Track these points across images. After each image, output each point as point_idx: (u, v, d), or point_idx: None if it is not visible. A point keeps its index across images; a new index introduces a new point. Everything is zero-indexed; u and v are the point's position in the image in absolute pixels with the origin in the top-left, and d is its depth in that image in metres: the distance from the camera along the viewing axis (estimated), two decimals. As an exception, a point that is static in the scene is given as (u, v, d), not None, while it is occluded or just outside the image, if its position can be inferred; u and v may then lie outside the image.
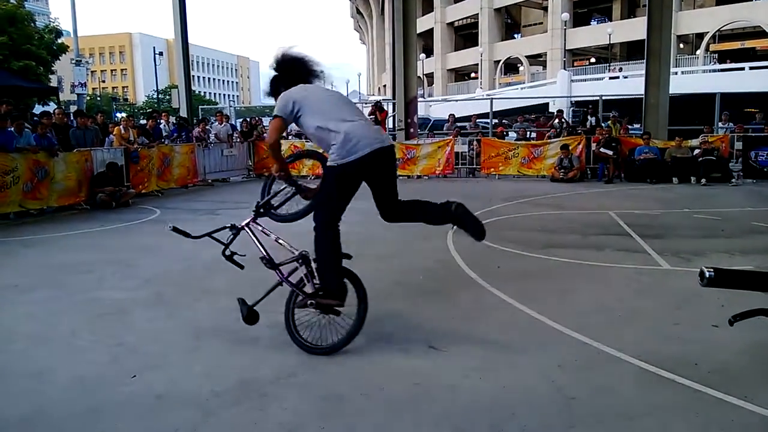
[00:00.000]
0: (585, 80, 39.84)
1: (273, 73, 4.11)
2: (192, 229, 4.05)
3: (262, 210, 4.06)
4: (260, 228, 4.03)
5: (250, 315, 3.73)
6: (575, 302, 4.73)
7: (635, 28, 40.70)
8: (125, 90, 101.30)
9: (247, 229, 3.99)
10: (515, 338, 3.96)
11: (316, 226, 3.76)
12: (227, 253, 3.89)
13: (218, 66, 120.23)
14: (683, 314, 4.37)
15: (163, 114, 15.73)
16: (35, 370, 3.53)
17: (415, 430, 2.78)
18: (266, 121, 18.34)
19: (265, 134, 16.71)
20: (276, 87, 4.06)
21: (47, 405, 3.09)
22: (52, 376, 3.45)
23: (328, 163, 3.73)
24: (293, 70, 4.04)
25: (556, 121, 16.98)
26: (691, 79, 34.01)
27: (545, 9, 53.56)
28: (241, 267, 3.95)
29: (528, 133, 17.21)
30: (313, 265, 3.80)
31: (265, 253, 3.93)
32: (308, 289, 3.81)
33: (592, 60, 53.66)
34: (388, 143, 3.88)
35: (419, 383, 3.26)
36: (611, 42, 46.34)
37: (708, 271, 1.42)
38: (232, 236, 3.95)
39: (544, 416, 2.87)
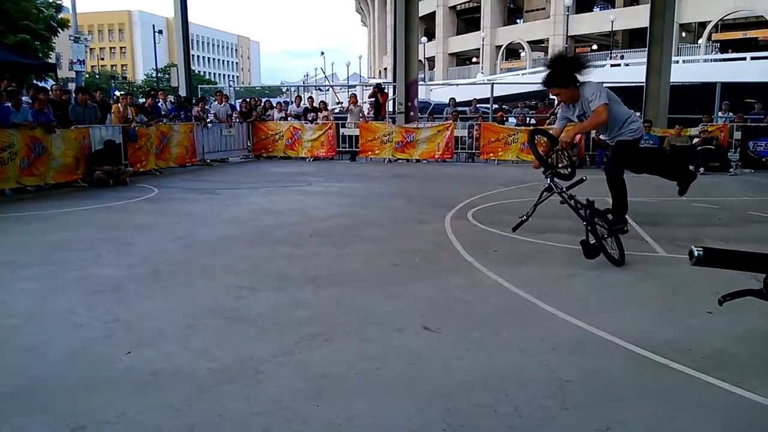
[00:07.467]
0: (586, 67, 39.63)
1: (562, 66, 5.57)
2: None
3: (551, 172, 5.66)
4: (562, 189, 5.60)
5: (590, 250, 5.03)
6: (571, 287, 4.75)
7: (638, 16, 40.56)
8: (124, 68, 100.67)
9: (553, 186, 5.64)
10: (510, 321, 3.98)
11: (612, 178, 5.87)
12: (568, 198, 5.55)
13: (218, 46, 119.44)
14: (678, 300, 4.39)
15: (160, 93, 15.63)
16: (30, 344, 3.53)
17: (408, 408, 2.79)
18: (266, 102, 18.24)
19: (263, 116, 16.66)
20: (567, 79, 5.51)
21: (41, 379, 3.10)
22: (46, 350, 3.45)
23: (625, 138, 5.75)
24: (579, 68, 5.54)
25: (558, 109, 16.92)
26: (692, 67, 33.93)
27: (548, -6, 53.22)
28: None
29: (528, 119, 17.15)
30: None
31: (573, 206, 5.48)
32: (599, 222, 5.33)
33: (594, 47, 53.40)
34: None
35: (413, 363, 3.28)
36: (613, 29, 46.10)
37: (697, 250, 1.42)
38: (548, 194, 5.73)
39: (538, 397, 2.89)
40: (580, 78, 5.54)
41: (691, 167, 6.14)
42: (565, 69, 5.52)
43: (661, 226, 7.11)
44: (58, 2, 32.14)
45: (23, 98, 10.60)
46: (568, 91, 5.54)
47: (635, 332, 3.70)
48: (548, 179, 5.68)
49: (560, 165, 6.03)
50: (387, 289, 4.66)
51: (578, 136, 14.20)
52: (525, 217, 5.76)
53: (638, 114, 16.08)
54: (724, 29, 43.74)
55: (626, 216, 5.94)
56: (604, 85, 6.14)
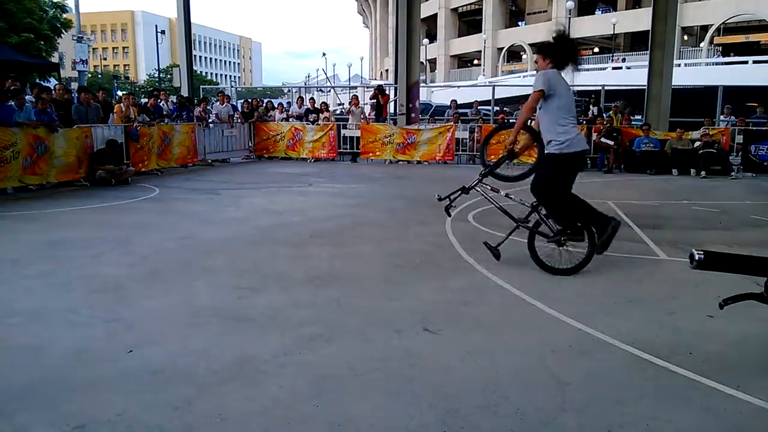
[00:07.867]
0: (588, 70, 39.66)
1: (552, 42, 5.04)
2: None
3: (485, 172, 5.34)
4: (489, 187, 5.45)
5: (496, 253, 5.17)
6: (571, 289, 4.74)
7: (640, 19, 40.54)
8: (126, 68, 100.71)
9: (476, 189, 5.41)
10: (510, 323, 3.98)
11: (537, 195, 5.09)
12: (450, 206, 5.43)
13: (220, 46, 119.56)
14: (679, 304, 4.39)
15: (162, 93, 15.65)
16: (32, 343, 3.54)
17: (409, 410, 2.80)
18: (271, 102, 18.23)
19: (264, 116, 16.67)
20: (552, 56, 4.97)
21: (44, 378, 3.10)
22: (49, 349, 3.46)
23: (550, 150, 4.96)
24: (571, 55, 5.07)
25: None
26: (694, 71, 33.89)
27: (550, -3, 53.21)
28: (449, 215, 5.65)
29: (529, 121, 17.18)
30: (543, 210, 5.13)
31: (497, 206, 5.44)
32: (544, 229, 5.21)
33: (596, 50, 53.37)
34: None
35: (414, 364, 3.28)
36: (615, 32, 46.08)
37: (698, 253, 1.44)
38: (458, 194, 5.35)
39: (538, 400, 2.89)
40: (559, 65, 5.04)
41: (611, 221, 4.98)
42: (561, 46, 5.07)
43: (662, 228, 7.11)
44: (62, 2, 32.18)
45: (26, 97, 10.63)
46: (544, 65, 5.03)
47: (636, 335, 3.70)
48: (477, 178, 5.37)
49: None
50: (387, 290, 4.67)
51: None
52: (449, 204, 5.43)
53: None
54: (726, 33, 43.70)
55: (578, 225, 5.13)
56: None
